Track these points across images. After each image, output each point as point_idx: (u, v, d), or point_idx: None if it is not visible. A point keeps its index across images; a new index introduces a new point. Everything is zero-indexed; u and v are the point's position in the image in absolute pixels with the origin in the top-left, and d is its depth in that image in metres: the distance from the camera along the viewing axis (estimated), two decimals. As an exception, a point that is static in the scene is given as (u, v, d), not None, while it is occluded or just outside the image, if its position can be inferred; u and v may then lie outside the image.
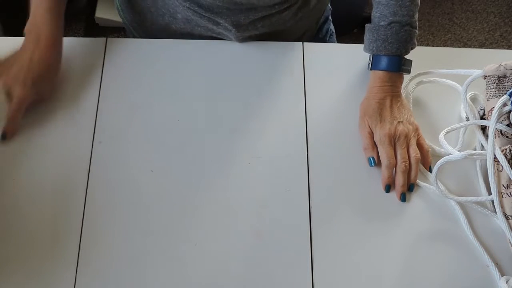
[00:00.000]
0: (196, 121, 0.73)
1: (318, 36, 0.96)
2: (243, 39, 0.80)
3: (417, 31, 0.73)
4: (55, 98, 0.74)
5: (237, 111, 0.74)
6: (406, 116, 0.72)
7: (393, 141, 0.70)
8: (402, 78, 0.74)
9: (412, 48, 0.73)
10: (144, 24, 0.86)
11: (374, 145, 0.71)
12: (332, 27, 0.98)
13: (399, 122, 0.71)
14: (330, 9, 0.97)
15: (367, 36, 0.74)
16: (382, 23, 0.72)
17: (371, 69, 0.74)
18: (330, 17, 0.98)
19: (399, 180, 0.69)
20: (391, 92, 0.72)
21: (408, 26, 0.71)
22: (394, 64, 0.72)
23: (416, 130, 0.71)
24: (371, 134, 0.71)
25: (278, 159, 0.71)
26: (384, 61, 0.72)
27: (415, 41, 0.73)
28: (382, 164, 0.70)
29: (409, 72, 0.74)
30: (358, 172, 0.71)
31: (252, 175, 0.70)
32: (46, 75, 0.71)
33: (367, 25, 0.75)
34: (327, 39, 0.97)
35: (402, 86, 0.75)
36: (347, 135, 0.73)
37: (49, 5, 0.70)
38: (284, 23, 0.81)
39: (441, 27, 1.87)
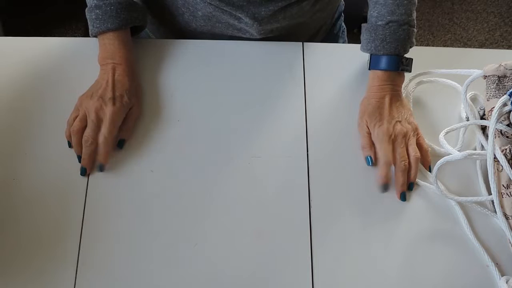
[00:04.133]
0: (196, 121, 0.73)
1: (333, 31, 0.96)
2: (265, 33, 0.80)
3: (415, 29, 0.73)
4: (55, 98, 0.74)
5: (237, 111, 0.74)
6: (405, 116, 0.71)
7: (391, 139, 0.70)
8: (403, 77, 0.74)
9: (410, 47, 0.73)
10: (162, 25, 0.86)
11: (372, 144, 0.71)
12: (343, 24, 0.99)
13: (397, 121, 0.71)
14: (343, 4, 0.97)
15: (364, 36, 0.74)
16: (380, 22, 0.72)
17: (370, 69, 0.74)
18: (343, 14, 0.97)
19: (399, 179, 0.69)
20: (391, 91, 0.72)
21: (407, 25, 0.71)
22: (393, 64, 0.72)
23: (416, 129, 0.71)
24: (369, 134, 0.71)
25: (278, 159, 0.71)
26: (383, 61, 0.72)
27: (414, 40, 0.73)
28: (379, 162, 0.70)
29: (409, 70, 0.74)
30: (358, 172, 0.71)
31: (252, 175, 0.70)
32: (130, 88, 0.71)
33: (364, 25, 0.75)
34: (340, 35, 0.97)
35: (402, 86, 0.74)
36: (347, 135, 0.73)
37: (116, 34, 0.72)
38: (303, 14, 0.81)
39: (441, 27, 1.87)
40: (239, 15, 0.77)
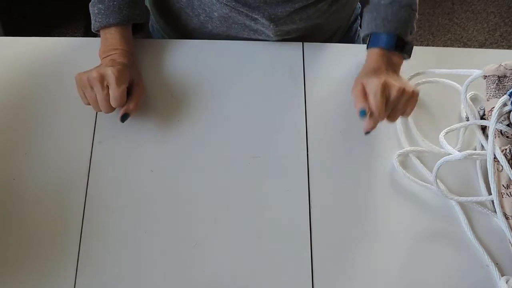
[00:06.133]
0: (196, 121, 0.73)
1: (349, 34, 0.95)
2: (281, 34, 0.80)
3: (417, 14, 0.72)
4: (55, 98, 0.74)
5: (237, 111, 0.74)
6: (403, 81, 0.69)
7: (385, 93, 0.66)
8: (401, 60, 0.72)
9: (411, 32, 0.72)
10: (178, 27, 0.86)
11: (366, 95, 0.68)
12: (359, 27, 0.98)
13: (395, 80, 0.68)
14: (359, 7, 0.97)
15: (366, 17, 0.74)
16: (383, 2, 0.72)
17: (368, 48, 0.73)
18: (359, 16, 0.97)
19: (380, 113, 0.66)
20: (387, 64, 0.71)
21: (409, 7, 0.71)
22: (392, 43, 0.71)
23: (413, 95, 0.68)
24: (363, 88, 0.69)
25: (278, 159, 0.71)
26: (382, 39, 0.71)
27: (414, 25, 0.72)
28: (370, 114, 0.66)
29: (408, 57, 0.73)
30: (358, 172, 0.71)
31: (252, 175, 0.70)
32: (130, 64, 0.71)
33: (366, 7, 0.74)
34: (356, 38, 0.97)
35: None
36: (347, 134, 0.73)
37: (117, 29, 0.73)
38: (319, 15, 0.81)
39: (441, 27, 1.87)
40: (256, 16, 0.76)
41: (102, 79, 0.67)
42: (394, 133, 0.74)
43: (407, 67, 0.77)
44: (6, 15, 1.63)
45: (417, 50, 0.75)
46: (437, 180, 0.67)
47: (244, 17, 0.77)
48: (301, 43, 0.80)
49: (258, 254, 0.65)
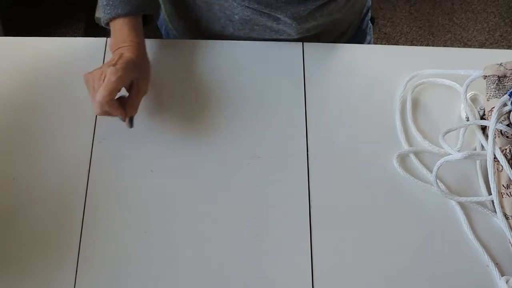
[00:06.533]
0: (196, 121, 0.73)
1: (361, 27, 0.95)
2: (302, 32, 0.80)
3: None
4: (55, 98, 0.74)
5: (237, 111, 0.74)
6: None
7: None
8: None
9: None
10: (197, 31, 0.85)
11: None
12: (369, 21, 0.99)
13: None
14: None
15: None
16: None
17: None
18: (369, 9, 0.98)
19: None
20: None
21: None
22: None
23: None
24: None
25: (278, 159, 0.71)
26: None
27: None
28: None
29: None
30: (358, 172, 0.71)
31: (252, 175, 0.70)
32: (137, 62, 0.69)
33: None
34: (368, 31, 0.97)
35: (400, 86, 0.74)
36: (347, 134, 0.73)
37: (126, 20, 0.70)
38: (338, 10, 0.81)
39: (441, 27, 1.87)
40: (278, 15, 0.76)
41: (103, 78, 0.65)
42: (394, 133, 0.74)
43: (407, 67, 0.77)
44: (6, 15, 1.63)
45: (417, 50, 0.75)
46: (437, 180, 0.67)
47: (266, 18, 0.77)
48: (301, 43, 0.80)
49: (258, 254, 0.65)
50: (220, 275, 0.64)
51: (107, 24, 0.72)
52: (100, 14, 0.72)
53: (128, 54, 0.68)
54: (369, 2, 0.96)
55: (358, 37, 0.95)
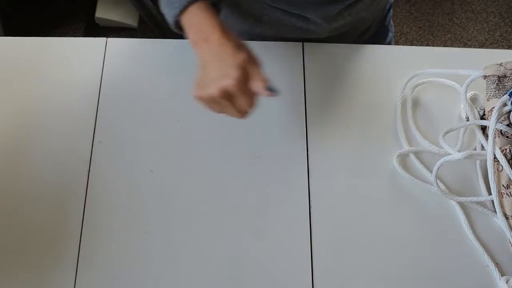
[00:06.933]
0: (196, 121, 0.73)
1: (384, 24, 0.96)
2: (330, 31, 0.80)
3: None
4: (55, 98, 0.74)
5: (237, 111, 0.74)
6: None
7: None
8: None
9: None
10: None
11: None
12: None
13: None
14: None
15: None
16: None
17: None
18: (392, 6, 0.98)
19: None
20: None
21: None
22: None
23: None
24: None
25: (278, 159, 0.71)
26: None
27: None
28: None
29: None
30: (358, 172, 0.71)
31: (252, 175, 0.70)
32: (238, 47, 0.61)
33: None
34: (389, 28, 0.97)
35: (400, 86, 0.74)
36: (347, 134, 0.73)
37: (196, 7, 0.62)
38: (366, 8, 0.81)
39: (441, 27, 1.87)
40: (308, 16, 0.76)
41: (225, 95, 0.57)
42: (394, 133, 0.74)
43: (407, 68, 0.77)
44: (6, 15, 1.63)
45: (417, 50, 0.75)
46: (437, 180, 0.67)
47: (296, 19, 0.77)
48: (301, 43, 0.80)
49: (258, 254, 0.65)
50: (220, 275, 0.64)
51: (177, 22, 0.63)
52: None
53: (228, 41, 0.60)
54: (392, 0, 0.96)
55: (380, 34, 0.95)
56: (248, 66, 0.60)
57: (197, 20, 0.62)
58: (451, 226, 0.68)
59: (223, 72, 0.58)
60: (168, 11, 0.64)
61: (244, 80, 0.58)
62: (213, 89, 0.58)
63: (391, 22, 0.99)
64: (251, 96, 0.59)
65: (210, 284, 0.64)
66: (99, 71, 0.76)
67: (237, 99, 0.59)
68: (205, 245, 0.66)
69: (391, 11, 0.97)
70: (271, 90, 0.60)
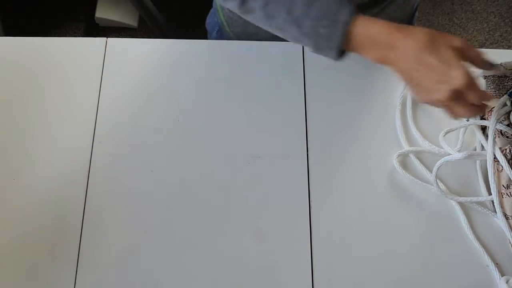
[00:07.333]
0: (196, 121, 0.73)
1: (411, 23, 0.95)
2: None
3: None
4: (55, 98, 0.74)
5: (237, 111, 0.74)
6: None
7: None
8: None
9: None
10: (258, 36, 0.84)
11: None
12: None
13: None
14: None
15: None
16: None
17: None
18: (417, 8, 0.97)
19: None
20: None
21: None
22: None
23: None
24: None
25: (278, 159, 0.71)
26: None
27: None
28: None
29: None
30: (358, 172, 0.71)
31: (252, 175, 0.70)
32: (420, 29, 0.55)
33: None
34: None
35: (400, 86, 0.74)
36: (347, 134, 0.73)
37: (357, 18, 0.58)
38: (398, 9, 0.81)
39: (441, 27, 1.87)
40: None
41: (456, 95, 0.53)
42: (394, 133, 0.74)
43: (407, 67, 0.77)
44: (6, 15, 1.63)
45: (417, 50, 0.74)
46: (437, 180, 0.67)
47: None
48: (301, 43, 0.80)
49: (258, 254, 0.65)
50: (220, 275, 0.64)
51: (345, 34, 0.57)
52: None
53: (414, 32, 0.55)
54: (417, 2, 0.96)
55: None
56: (457, 51, 0.53)
57: (370, 26, 0.56)
58: (451, 226, 0.68)
59: (442, 71, 0.52)
60: (325, 43, 0.57)
61: (468, 71, 0.52)
62: (443, 93, 0.53)
63: (416, 22, 0.99)
64: (478, 87, 0.53)
65: (210, 284, 0.64)
66: (99, 71, 0.76)
67: (467, 95, 0.53)
68: (205, 245, 0.66)
69: (417, 13, 0.98)
70: (490, 64, 0.57)
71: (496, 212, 0.66)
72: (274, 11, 0.59)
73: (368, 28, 0.56)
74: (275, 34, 0.62)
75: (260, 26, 0.63)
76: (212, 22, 0.95)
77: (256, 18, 0.62)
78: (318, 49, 0.61)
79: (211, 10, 0.95)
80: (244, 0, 0.59)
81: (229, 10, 0.86)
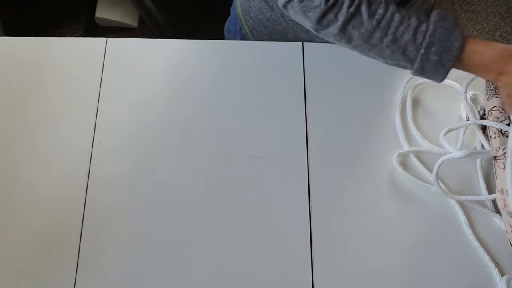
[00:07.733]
0: (196, 121, 0.73)
1: None
2: None
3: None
4: (55, 98, 0.74)
5: (237, 111, 0.74)
6: None
7: None
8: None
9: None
10: (269, 36, 0.85)
11: None
12: None
13: None
14: None
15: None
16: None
17: None
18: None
19: None
20: None
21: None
22: None
23: None
24: None
25: (278, 159, 0.71)
26: None
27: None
28: None
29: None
30: (358, 172, 0.71)
31: (252, 175, 0.70)
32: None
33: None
34: None
35: (400, 86, 0.74)
36: (347, 135, 0.73)
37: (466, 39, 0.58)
38: (418, 8, 0.81)
39: (441, 27, 1.87)
40: None
41: None
42: (394, 133, 0.74)
43: (407, 67, 0.77)
44: (6, 15, 1.63)
45: (417, 50, 0.74)
46: (438, 179, 0.67)
47: None
48: (301, 43, 0.80)
49: (258, 254, 0.65)
50: (220, 275, 0.64)
51: (456, 61, 0.57)
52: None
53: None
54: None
55: None
56: None
57: (479, 60, 0.56)
58: (451, 226, 0.68)
59: None
60: (433, 69, 0.57)
61: None
62: None
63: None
64: None
65: (210, 284, 0.64)
66: (99, 71, 0.76)
67: None
68: (205, 245, 0.66)
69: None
70: None
71: (496, 212, 0.66)
72: (377, 40, 0.59)
73: (482, 56, 0.56)
74: (371, 58, 0.62)
75: (355, 51, 0.62)
76: (233, 31, 0.94)
77: (354, 46, 0.61)
78: (422, 73, 0.60)
79: (229, 18, 0.95)
80: (345, 27, 0.58)
81: (253, 21, 0.86)
